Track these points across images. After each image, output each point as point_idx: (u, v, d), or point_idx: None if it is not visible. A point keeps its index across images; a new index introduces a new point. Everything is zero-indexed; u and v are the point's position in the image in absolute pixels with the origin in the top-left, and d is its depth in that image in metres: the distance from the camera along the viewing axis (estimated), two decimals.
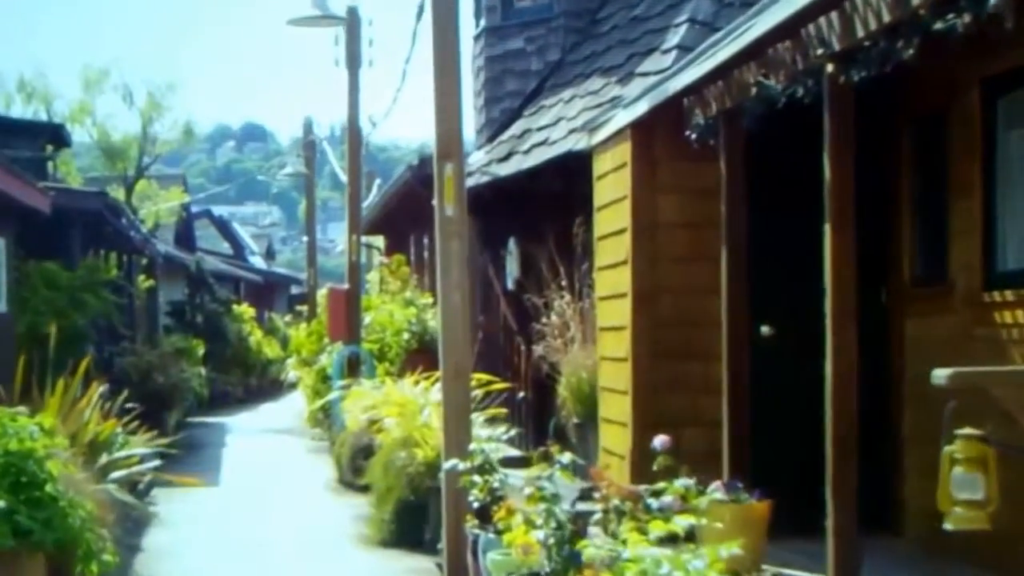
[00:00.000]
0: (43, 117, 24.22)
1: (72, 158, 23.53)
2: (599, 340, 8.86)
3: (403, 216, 21.41)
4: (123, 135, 25.15)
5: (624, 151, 8.09)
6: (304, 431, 20.67)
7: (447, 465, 7.79)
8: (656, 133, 7.92)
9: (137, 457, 8.35)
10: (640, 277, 7.93)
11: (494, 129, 12.80)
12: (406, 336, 17.27)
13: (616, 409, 8.39)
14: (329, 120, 40.07)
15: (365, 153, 21.20)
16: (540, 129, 11.22)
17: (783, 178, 7.74)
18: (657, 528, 4.72)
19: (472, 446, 7.85)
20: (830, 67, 5.63)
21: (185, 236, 32.48)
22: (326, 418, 17.83)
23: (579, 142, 9.89)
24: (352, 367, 16.43)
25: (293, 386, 26.26)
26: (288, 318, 37.17)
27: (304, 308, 32.46)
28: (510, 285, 13.04)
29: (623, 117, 8.09)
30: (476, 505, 7.75)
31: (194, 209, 38.46)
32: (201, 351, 22.92)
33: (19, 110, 24.16)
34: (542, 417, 12.61)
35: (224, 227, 45.53)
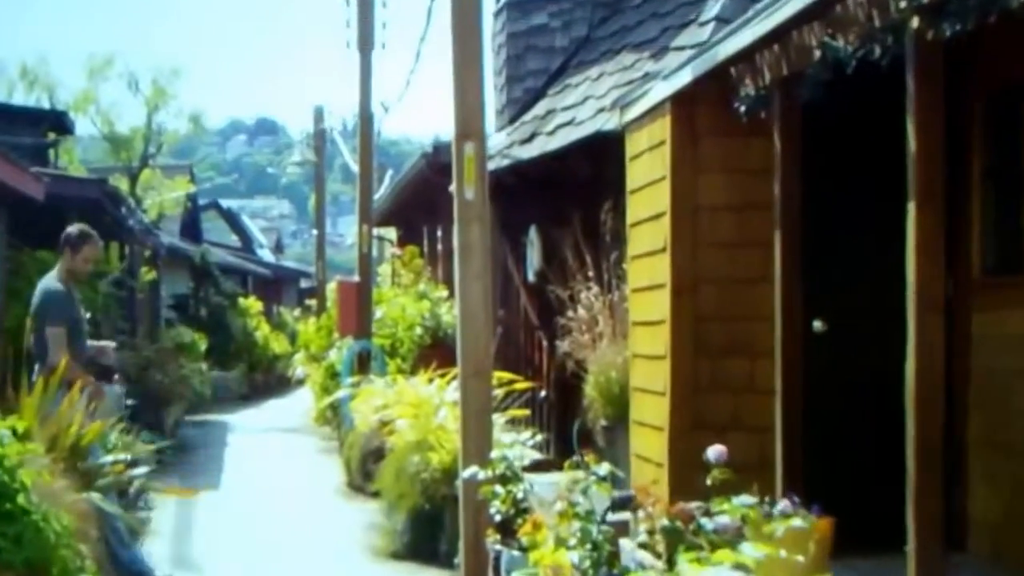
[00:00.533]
0: (46, 105, 23.48)
1: (75, 146, 22.81)
2: (632, 336, 8.09)
3: (416, 207, 20.72)
4: (129, 127, 24.46)
5: (662, 127, 7.32)
6: (312, 430, 19.92)
7: (466, 473, 7.05)
8: (699, 106, 7.14)
9: (123, 463, 7.55)
10: (680, 266, 7.14)
11: (516, 110, 11.99)
12: (419, 331, 16.70)
13: (651, 411, 7.62)
14: (341, 114, 39.24)
15: (376, 144, 20.50)
16: (566, 109, 10.43)
17: (834, 155, 7.00)
18: (724, 559, 3.95)
19: (494, 453, 7.10)
20: (916, 21, 4.85)
21: (191, 228, 31.76)
22: (335, 416, 17.12)
23: (608, 121, 9.15)
24: (362, 363, 15.70)
25: (301, 382, 25.56)
26: (297, 312, 36.39)
27: (313, 302, 31.74)
28: (531, 277, 12.28)
29: (662, 90, 7.31)
30: (499, 518, 7.02)
31: (202, 201, 37.79)
32: (204, 346, 22.15)
33: (21, 98, 23.42)
34: (565, 418, 11.86)
35: (233, 219, 44.73)
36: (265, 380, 31.03)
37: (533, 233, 12.07)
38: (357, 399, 12.65)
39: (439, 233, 21.96)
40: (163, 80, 23.96)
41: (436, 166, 15.54)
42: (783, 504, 5.27)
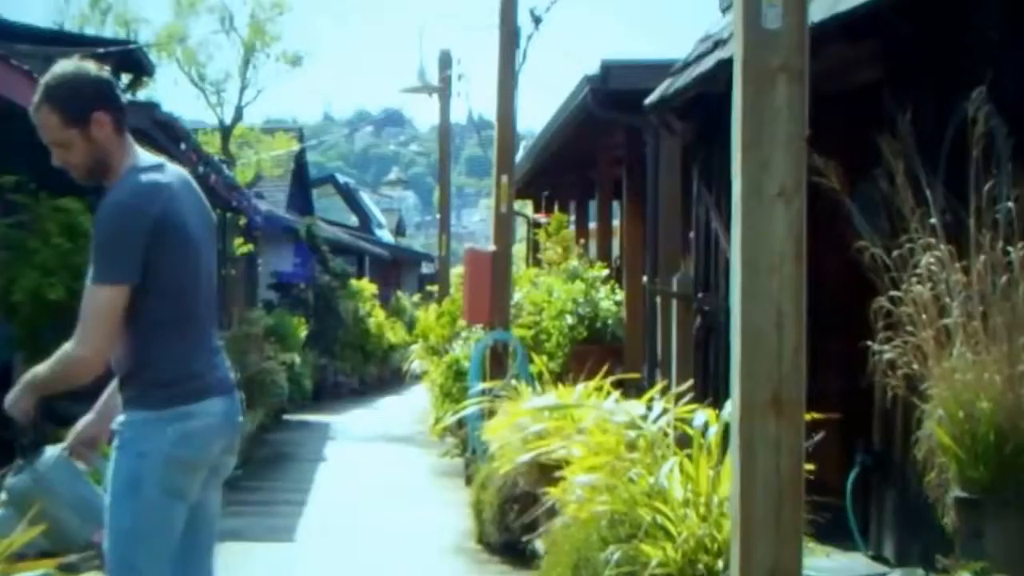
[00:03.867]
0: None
1: (157, 94, 19.16)
2: None
3: (569, 162, 16.67)
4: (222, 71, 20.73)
5: None
6: (428, 441, 15.87)
7: None
8: None
9: (50, 561, 3.48)
10: None
11: None
12: (570, 320, 12.85)
13: None
14: (466, 106, 35.97)
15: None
16: None
17: None
18: None
19: None
20: None
21: (301, 200, 27.98)
22: (460, 428, 13.11)
23: None
24: (497, 361, 11.61)
25: (418, 378, 21.78)
26: (416, 298, 32.46)
27: (435, 288, 27.81)
28: None
29: None
30: None
31: (317, 175, 34.20)
32: (303, 333, 18.26)
33: (94, 34, 19.79)
34: (824, 461, 7.67)
35: (350, 196, 40.71)
36: (379, 374, 27.42)
37: None
38: (495, 422, 8.44)
39: (592, 205, 18.02)
40: (262, 15, 20.12)
41: (605, 96, 11.37)
42: None
